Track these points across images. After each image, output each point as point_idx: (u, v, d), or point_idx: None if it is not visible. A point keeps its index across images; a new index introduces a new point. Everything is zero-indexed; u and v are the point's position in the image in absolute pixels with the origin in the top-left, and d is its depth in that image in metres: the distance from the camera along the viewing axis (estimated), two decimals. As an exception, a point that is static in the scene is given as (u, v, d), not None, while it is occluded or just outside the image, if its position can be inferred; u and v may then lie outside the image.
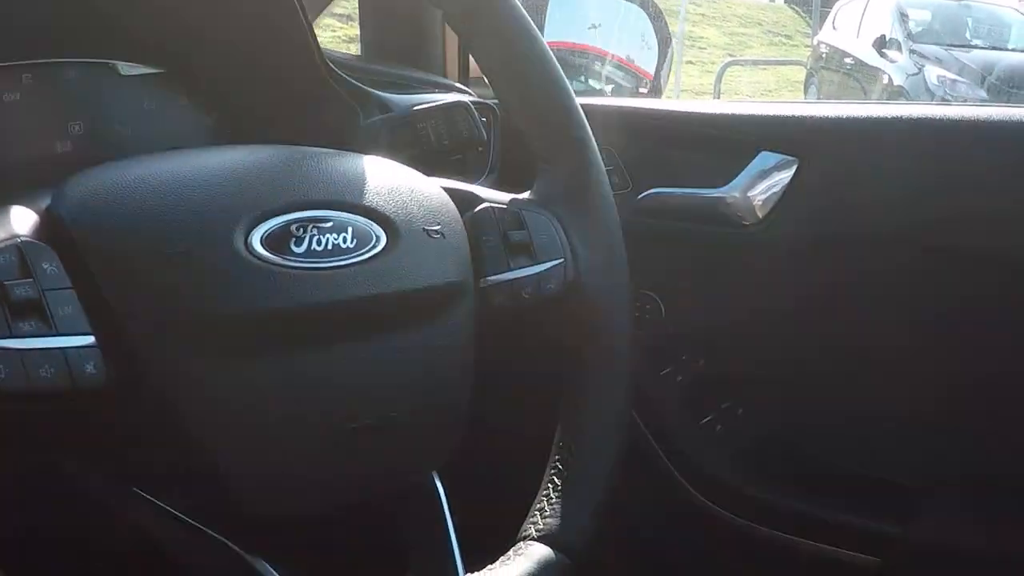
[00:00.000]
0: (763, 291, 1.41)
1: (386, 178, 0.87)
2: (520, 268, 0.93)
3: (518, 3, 0.97)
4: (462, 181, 1.01)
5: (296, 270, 0.76)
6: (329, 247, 0.78)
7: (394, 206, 0.84)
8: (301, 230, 0.77)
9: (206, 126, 1.23)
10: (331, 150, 0.89)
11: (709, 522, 1.44)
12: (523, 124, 0.99)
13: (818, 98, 10.94)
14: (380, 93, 1.27)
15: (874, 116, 1.29)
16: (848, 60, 10.64)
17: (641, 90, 2.04)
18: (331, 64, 1.22)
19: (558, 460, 0.95)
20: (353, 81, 1.25)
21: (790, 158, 1.31)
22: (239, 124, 1.24)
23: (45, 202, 0.75)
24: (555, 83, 0.99)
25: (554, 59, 1.00)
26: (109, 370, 0.70)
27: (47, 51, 1.11)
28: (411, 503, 0.89)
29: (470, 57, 1.62)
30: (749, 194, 1.34)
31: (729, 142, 1.37)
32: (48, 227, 0.73)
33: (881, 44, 10.15)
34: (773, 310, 1.42)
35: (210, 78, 1.22)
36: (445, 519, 0.88)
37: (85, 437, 0.75)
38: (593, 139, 1.01)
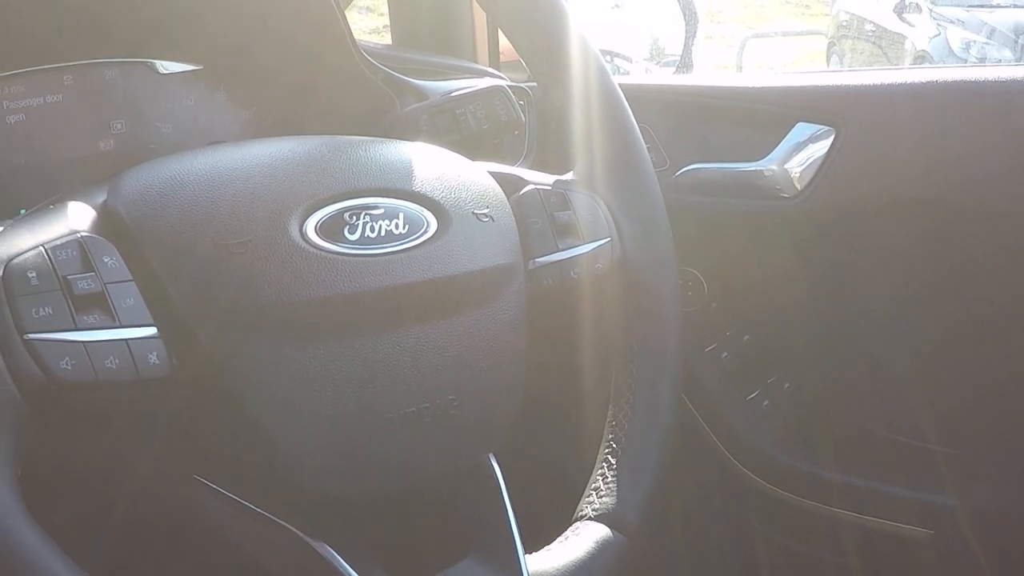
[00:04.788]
0: (805, 262, 1.41)
1: (434, 164, 0.88)
2: (568, 248, 0.94)
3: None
4: (502, 164, 1.02)
5: (351, 257, 0.77)
6: (382, 233, 0.79)
7: (443, 191, 0.85)
8: (354, 217, 0.79)
9: (244, 120, 1.25)
10: (378, 138, 0.90)
11: (759, 497, 1.44)
12: (563, 106, 1.00)
13: (841, 66, 10.86)
14: (415, 80, 1.28)
15: (910, 82, 1.28)
16: (869, 27, 10.52)
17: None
18: (366, 54, 1.23)
19: (611, 439, 0.96)
20: (388, 70, 1.26)
21: (827, 128, 1.31)
22: (277, 117, 1.25)
23: (101, 197, 0.77)
24: (593, 65, 0.99)
25: (591, 40, 1.00)
26: (172, 360, 0.71)
27: (87, 52, 1.13)
28: (469, 485, 0.89)
29: (499, 41, 1.62)
30: (787, 166, 1.33)
31: (765, 115, 1.37)
32: (106, 221, 0.74)
33: (901, 8, 10.03)
34: (815, 281, 1.42)
35: (247, 73, 1.23)
36: (503, 500, 0.88)
37: (147, 425, 0.77)
38: (633, 118, 1.01)
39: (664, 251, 1.01)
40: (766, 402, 1.46)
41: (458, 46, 1.61)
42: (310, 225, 0.77)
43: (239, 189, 0.77)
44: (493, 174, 0.93)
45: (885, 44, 10.25)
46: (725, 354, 1.46)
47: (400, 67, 1.30)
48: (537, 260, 0.92)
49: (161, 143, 1.19)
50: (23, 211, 1.07)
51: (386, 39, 1.71)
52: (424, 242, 0.81)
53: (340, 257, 0.77)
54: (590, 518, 0.91)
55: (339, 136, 0.89)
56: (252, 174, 0.79)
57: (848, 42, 10.92)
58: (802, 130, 1.33)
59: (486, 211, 0.87)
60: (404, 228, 0.81)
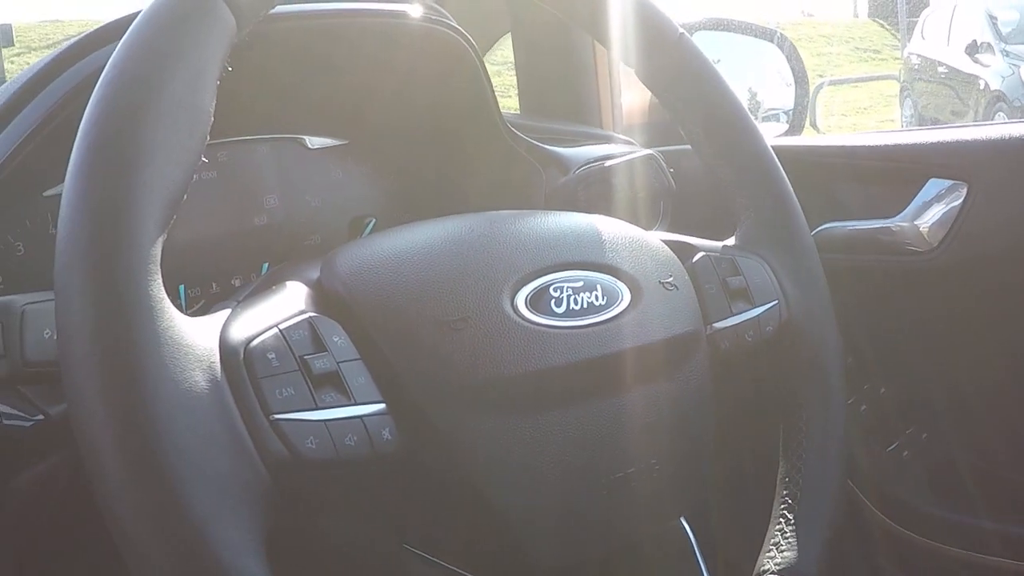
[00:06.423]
0: (939, 317, 1.42)
1: (618, 236, 0.91)
2: (741, 313, 0.96)
3: (716, 68, 1.02)
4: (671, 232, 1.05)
5: (561, 330, 0.81)
6: (584, 306, 0.83)
7: (631, 262, 0.88)
8: (558, 291, 0.82)
9: (390, 192, 1.27)
10: (564, 212, 0.94)
11: (903, 547, 1.45)
12: (722, 172, 1.03)
13: (915, 110, 10.80)
14: (556, 149, 1.30)
15: None
16: (941, 69, 10.46)
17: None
18: (510, 125, 1.26)
19: (786, 495, 0.98)
20: (530, 140, 1.28)
21: (960, 183, 1.32)
22: (422, 189, 1.28)
23: (313, 274, 0.80)
24: (750, 132, 1.02)
25: (743, 104, 1.03)
26: (401, 434, 0.74)
27: (240, 129, 1.17)
28: (665, 547, 0.92)
29: (623, 107, 1.66)
30: (919, 222, 1.35)
31: (896, 172, 1.38)
32: (326, 301, 0.78)
33: (973, 49, 9.96)
34: (950, 334, 1.43)
35: (393, 146, 1.26)
36: (698, 561, 0.91)
37: (370, 498, 0.79)
38: (787, 181, 1.04)
39: (826, 310, 1.03)
40: (905, 453, 1.47)
41: (584, 112, 1.65)
42: (520, 300, 0.80)
43: (449, 265, 0.80)
44: (665, 242, 0.97)
45: (958, 85, 10.18)
46: (864, 407, 1.47)
47: (534, 135, 1.33)
48: (714, 325, 0.95)
49: (310, 217, 1.23)
50: (182, 287, 1.12)
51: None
52: (622, 312, 0.85)
53: (552, 330, 0.80)
54: (773, 572, 0.93)
55: (527, 211, 0.93)
56: (458, 251, 0.82)
57: (921, 84, 10.86)
58: (934, 186, 1.34)
59: (670, 279, 0.90)
60: (603, 300, 0.84)
